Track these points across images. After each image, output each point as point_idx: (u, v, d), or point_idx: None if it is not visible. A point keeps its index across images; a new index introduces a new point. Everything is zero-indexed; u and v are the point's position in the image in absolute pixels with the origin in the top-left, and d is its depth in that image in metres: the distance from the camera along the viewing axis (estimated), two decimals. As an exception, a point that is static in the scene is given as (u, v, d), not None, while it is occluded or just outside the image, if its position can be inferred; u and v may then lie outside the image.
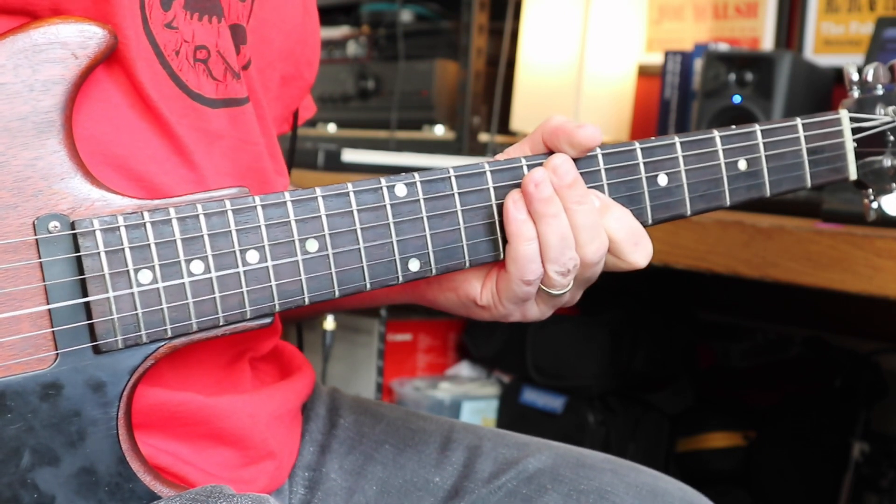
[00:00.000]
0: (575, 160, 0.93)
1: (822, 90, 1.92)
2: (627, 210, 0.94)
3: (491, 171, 0.91)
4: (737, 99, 1.85)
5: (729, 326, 2.36)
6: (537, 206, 0.90)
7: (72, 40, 0.79)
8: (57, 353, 0.78)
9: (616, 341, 2.21)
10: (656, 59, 2.28)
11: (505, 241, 0.91)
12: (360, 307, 1.10)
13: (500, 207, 0.91)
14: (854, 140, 1.06)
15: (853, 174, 1.07)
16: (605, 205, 0.93)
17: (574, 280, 0.93)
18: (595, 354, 2.20)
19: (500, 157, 0.94)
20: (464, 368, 2.49)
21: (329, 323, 2.23)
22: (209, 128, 0.90)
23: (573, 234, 0.91)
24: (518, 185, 0.92)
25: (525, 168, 0.92)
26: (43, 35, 0.78)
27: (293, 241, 0.84)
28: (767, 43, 2.21)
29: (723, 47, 2.07)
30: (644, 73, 2.36)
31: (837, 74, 1.10)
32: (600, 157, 0.95)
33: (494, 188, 0.91)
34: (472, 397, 2.35)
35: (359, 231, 0.86)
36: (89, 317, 0.79)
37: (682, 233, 1.48)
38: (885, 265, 1.26)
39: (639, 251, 0.94)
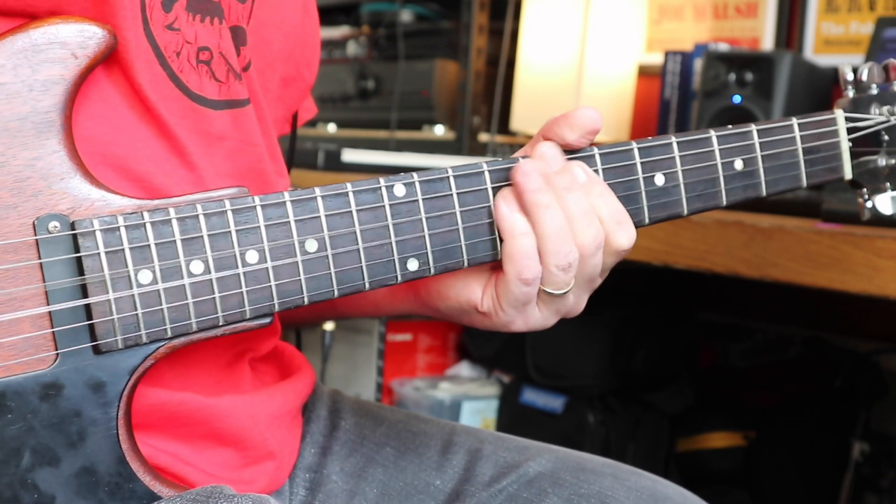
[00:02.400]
0: (576, 152, 0.93)
1: (822, 90, 1.92)
2: (610, 190, 0.93)
3: (489, 171, 0.91)
4: (737, 99, 1.85)
5: (729, 326, 2.36)
6: (529, 196, 0.89)
7: (71, 40, 0.79)
8: (57, 354, 0.78)
9: (616, 341, 2.21)
10: (656, 59, 2.28)
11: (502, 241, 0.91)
12: (363, 316, 1.10)
13: None
14: (849, 140, 1.06)
15: (848, 174, 1.07)
16: (591, 180, 0.92)
17: (575, 278, 0.92)
18: (595, 354, 2.20)
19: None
20: (464, 368, 2.49)
21: (328, 323, 2.24)
22: (210, 129, 0.90)
23: (568, 223, 0.90)
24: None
25: None
26: (42, 35, 0.78)
27: (292, 241, 0.84)
28: (767, 43, 2.21)
29: (723, 47, 2.07)
30: (644, 73, 2.36)
31: (837, 74, 1.10)
32: (597, 156, 0.95)
33: (493, 188, 0.91)
34: (472, 397, 2.35)
35: (358, 231, 0.86)
36: (89, 317, 0.79)
37: (682, 233, 1.48)
38: (885, 265, 1.26)
39: (622, 231, 0.93)
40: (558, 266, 0.90)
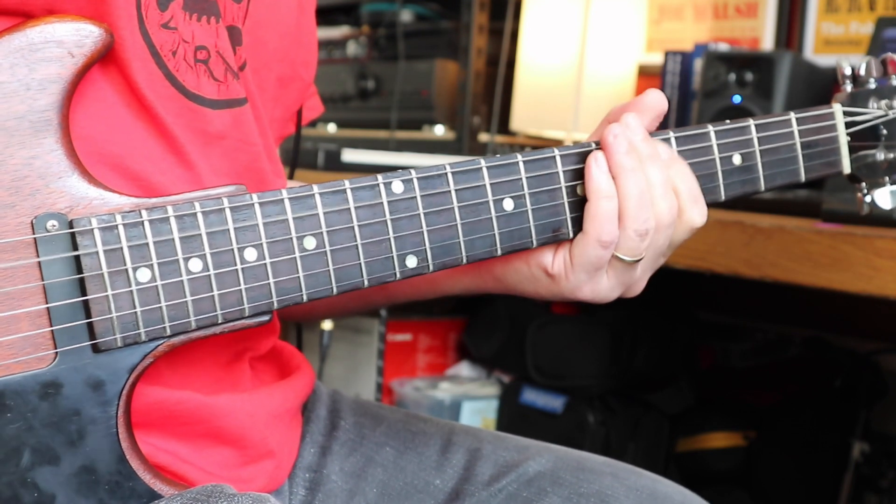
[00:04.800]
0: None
1: (822, 90, 1.92)
2: (689, 169, 0.96)
3: (487, 168, 0.91)
4: (737, 99, 1.85)
5: (729, 326, 2.36)
6: (617, 157, 0.92)
7: (68, 39, 0.79)
8: (56, 352, 0.78)
9: (616, 341, 2.21)
10: (656, 59, 2.27)
11: (501, 237, 0.92)
12: (419, 298, 1.10)
13: (496, 204, 0.92)
14: (847, 134, 1.06)
15: (847, 168, 1.07)
16: (672, 157, 0.96)
17: (646, 250, 0.94)
18: (595, 354, 2.20)
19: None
20: (464, 368, 2.49)
21: (327, 323, 2.24)
22: (208, 129, 0.90)
23: (648, 190, 0.93)
24: (513, 181, 0.92)
25: (521, 164, 0.93)
26: (39, 34, 0.78)
27: (291, 238, 0.84)
28: (767, 43, 2.21)
29: (723, 47, 2.07)
30: (644, 73, 2.36)
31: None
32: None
33: (491, 184, 0.91)
34: (472, 397, 2.35)
35: (356, 228, 0.86)
36: (88, 315, 0.79)
37: (682, 233, 1.47)
38: (885, 265, 1.26)
39: (696, 209, 0.96)
40: (636, 231, 0.92)
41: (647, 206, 0.93)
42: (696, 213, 0.96)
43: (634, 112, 0.96)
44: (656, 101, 0.97)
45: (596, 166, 0.93)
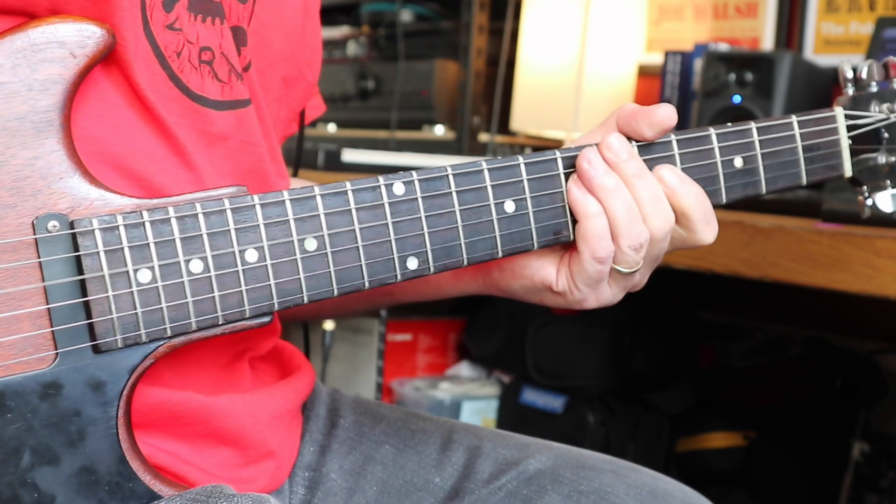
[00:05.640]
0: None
1: (822, 90, 1.92)
2: (700, 187, 0.96)
3: (488, 169, 0.91)
4: (737, 99, 1.85)
5: (729, 326, 2.36)
6: (596, 181, 0.92)
7: (70, 39, 0.79)
8: (56, 353, 0.78)
9: (616, 341, 2.21)
10: (656, 59, 2.28)
11: (502, 239, 0.92)
12: (425, 300, 1.10)
13: (497, 206, 0.92)
14: (849, 137, 1.06)
15: (848, 171, 1.07)
16: (683, 180, 0.96)
17: (643, 259, 0.94)
18: (595, 354, 2.20)
19: (570, 145, 0.97)
20: (464, 368, 2.49)
21: (329, 323, 2.24)
22: (211, 130, 0.90)
23: (638, 206, 0.93)
24: (514, 183, 0.92)
25: (522, 166, 0.93)
26: (41, 34, 0.78)
27: (292, 240, 0.84)
28: (767, 43, 2.21)
29: (723, 47, 2.07)
30: (644, 73, 2.36)
31: (837, 74, 1.11)
32: None
33: (492, 186, 0.91)
34: (472, 397, 2.35)
35: (357, 230, 0.86)
36: (89, 316, 0.79)
37: (681, 233, 1.47)
38: (885, 265, 1.26)
39: (709, 229, 0.97)
40: (630, 246, 0.93)
41: (638, 221, 0.93)
42: (709, 234, 0.97)
43: (644, 122, 0.96)
44: (667, 117, 0.96)
45: (577, 187, 0.93)
